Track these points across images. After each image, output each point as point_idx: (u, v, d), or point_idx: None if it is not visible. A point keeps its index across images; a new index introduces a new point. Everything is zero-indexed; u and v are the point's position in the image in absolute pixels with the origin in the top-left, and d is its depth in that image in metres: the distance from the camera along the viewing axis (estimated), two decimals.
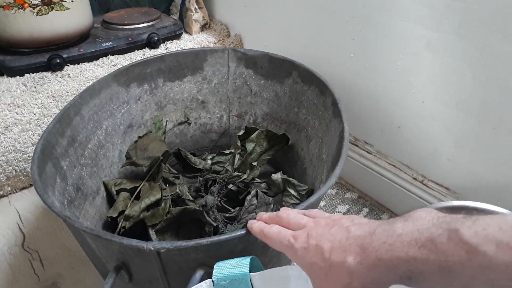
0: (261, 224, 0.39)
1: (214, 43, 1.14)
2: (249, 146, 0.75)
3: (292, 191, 0.67)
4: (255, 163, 0.73)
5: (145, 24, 1.08)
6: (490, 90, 0.59)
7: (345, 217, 0.34)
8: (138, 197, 0.67)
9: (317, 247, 0.32)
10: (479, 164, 0.65)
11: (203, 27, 1.20)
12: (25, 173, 0.87)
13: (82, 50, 0.96)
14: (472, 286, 0.24)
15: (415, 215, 0.28)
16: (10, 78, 0.91)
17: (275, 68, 0.78)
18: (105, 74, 0.73)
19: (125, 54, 1.02)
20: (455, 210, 0.54)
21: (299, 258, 0.33)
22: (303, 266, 0.34)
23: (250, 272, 0.37)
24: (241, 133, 0.77)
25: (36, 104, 0.85)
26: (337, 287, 0.30)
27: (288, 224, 0.37)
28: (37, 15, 0.88)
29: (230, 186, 0.71)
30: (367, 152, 0.85)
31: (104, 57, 1.00)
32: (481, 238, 0.23)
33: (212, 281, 0.38)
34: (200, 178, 0.73)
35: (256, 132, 0.75)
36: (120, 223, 0.62)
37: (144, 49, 1.05)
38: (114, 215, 0.63)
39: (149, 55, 0.95)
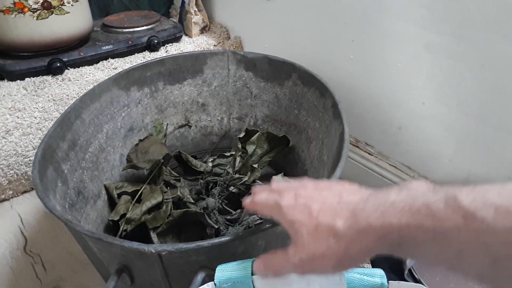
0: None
1: (214, 45, 1.14)
2: (250, 148, 0.75)
3: None
4: (256, 165, 0.73)
5: (145, 27, 1.08)
6: (490, 91, 0.59)
7: (336, 183, 0.33)
8: (139, 200, 0.67)
9: (305, 206, 0.31)
10: (479, 165, 0.65)
11: (203, 30, 1.20)
12: (26, 177, 0.87)
13: (82, 54, 0.96)
14: (466, 253, 0.23)
15: (410, 185, 0.28)
16: (11, 82, 0.91)
17: (275, 70, 0.79)
18: (106, 78, 0.73)
19: (125, 57, 1.02)
20: None
21: (283, 215, 0.32)
22: (285, 222, 0.33)
23: (252, 274, 0.37)
24: (241, 135, 0.77)
25: (37, 108, 0.85)
26: (318, 248, 0.29)
27: (278, 191, 0.36)
28: (37, 19, 0.88)
29: (231, 188, 0.71)
30: (368, 153, 0.85)
31: (104, 61, 1.00)
32: (480, 203, 0.23)
33: (214, 283, 0.38)
34: (201, 180, 0.73)
35: (257, 134, 0.76)
36: (122, 226, 0.62)
37: (144, 52, 1.05)
38: (116, 218, 0.64)
39: (149, 58, 0.95)
